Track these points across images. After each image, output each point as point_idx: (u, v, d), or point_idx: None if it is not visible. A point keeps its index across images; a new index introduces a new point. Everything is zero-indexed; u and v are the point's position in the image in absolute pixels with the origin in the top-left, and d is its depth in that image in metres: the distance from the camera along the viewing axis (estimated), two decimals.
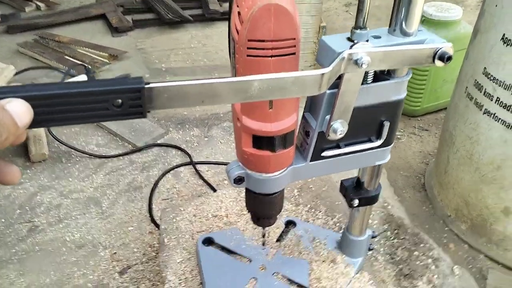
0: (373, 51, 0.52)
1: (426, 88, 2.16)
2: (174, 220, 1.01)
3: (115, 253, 1.14)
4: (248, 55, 0.52)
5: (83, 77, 1.79)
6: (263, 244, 0.86)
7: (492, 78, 1.34)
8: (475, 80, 1.42)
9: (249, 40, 0.51)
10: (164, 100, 0.43)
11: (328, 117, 0.60)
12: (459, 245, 1.61)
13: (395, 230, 1.12)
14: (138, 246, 1.16)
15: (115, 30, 2.61)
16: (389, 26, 0.59)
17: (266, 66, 0.53)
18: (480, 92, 1.40)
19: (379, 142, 0.66)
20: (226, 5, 2.87)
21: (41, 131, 1.54)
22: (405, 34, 0.57)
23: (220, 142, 1.55)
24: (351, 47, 0.52)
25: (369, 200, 0.76)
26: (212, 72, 2.07)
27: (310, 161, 0.65)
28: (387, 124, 0.64)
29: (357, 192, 0.75)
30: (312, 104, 0.63)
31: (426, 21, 2.05)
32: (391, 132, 0.66)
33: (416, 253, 1.06)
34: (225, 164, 1.44)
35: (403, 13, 0.56)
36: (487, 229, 1.54)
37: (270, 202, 0.68)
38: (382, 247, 1.06)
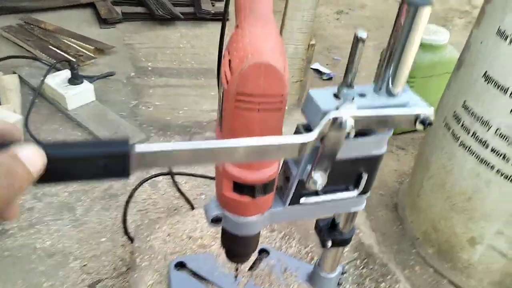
0: (357, 115, 0.53)
1: None
2: (148, 238, 1.01)
3: (86, 265, 1.13)
4: (235, 107, 0.53)
5: (65, 73, 1.75)
6: (236, 277, 0.87)
7: (470, 112, 1.37)
8: (454, 111, 1.45)
9: (237, 93, 0.51)
10: (149, 163, 0.43)
11: (309, 166, 0.61)
12: (424, 268, 1.65)
13: (365, 259, 1.14)
14: (109, 259, 1.15)
15: (104, 22, 2.56)
16: (375, 83, 0.59)
17: (252, 118, 0.53)
18: (458, 124, 1.43)
19: (356, 192, 0.67)
20: (218, 5, 2.84)
21: (20, 125, 1.51)
22: (390, 94, 0.58)
23: None
24: (337, 108, 0.53)
25: (343, 242, 0.77)
26: (199, 76, 2.06)
27: (289, 205, 0.66)
28: (365, 176, 0.65)
29: (331, 233, 0.77)
30: None
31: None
32: (369, 182, 0.67)
33: (383, 284, 1.08)
34: (205, 177, 1.44)
35: (390, 73, 0.57)
36: (453, 255, 1.59)
37: (246, 242, 0.69)
38: (350, 275, 1.08)
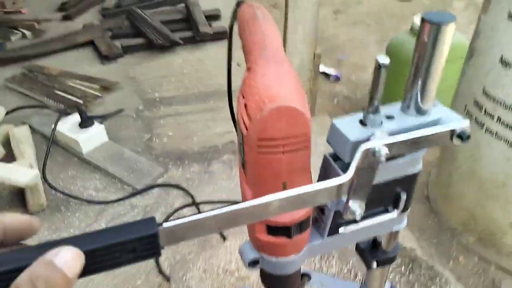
0: (390, 143, 0.50)
1: None
2: (184, 278, 0.99)
3: None
4: (259, 152, 0.50)
5: (74, 117, 1.76)
6: None
7: (492, 98, 1.33)
8: (475, 99, 1.41)
9: (259, 139, 0.49)
10: (178, 236, 0.41)
11: (344, 197, 0.58)
12: (468, 257, 1.61)
13: (409, 264, 1.11)
14: None
15: (105, 58, 2.58)
16: (403, 102, 0.56)
17: (277, 161, 0.51)
18: (480, 111, 1.39)
19: (396, 213, 0.64)
20: (215, 25, 2.83)
21: (38, 179, 1.51)
22: (419, 112, 0.55)
23: (222, 178, 1.53)
24: (368, 138, 0.50)
25: (388, 260, 0.74)
26: (207, 100, 2.05)
27: (327, 237, 0.63)
28: (403, 195, 0.62)
29: (375, 254, 0.73)
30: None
31: (416, 33, 2.04)
32: (408, 201, 0.64)
33: (433, 287, 1.05)
34: (229, 202, 1.42)
35: (418, 89, 0.54)
36: (496, 241, 1.54)
37: (287, 280, 0.66)
38: (398, 283, 1.05)
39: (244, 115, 0.51)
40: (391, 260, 0.75)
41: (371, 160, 0.50)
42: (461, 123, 0.53)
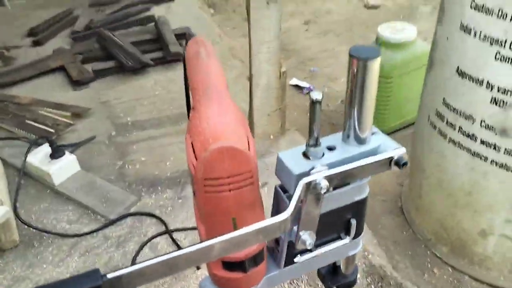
0: (330, 175, 0.52)
1: (390, 107, 2.20)
2: None
3: None
4: (205, 192, 0.52)
5: (45, 148, 1.74)
6: None
7: (452, 108, 1.37)
8: (436, 109, 1.45)
9: (205, 179, 0.50)
10: (125, 285, 0.42)
11: (295, 227, 0.59)
12: (443, 268, 1.63)
13: (379, 283, 1.12)
14: None
15: (76, 83, 2.56)
16: (343, 132, 0.59)
17: (225, 199, 0.52)
18: (443, 121, 1.43)
19: (348, 239, 0.65)
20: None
21: (10, 215, 1.49)
22: (359, 141, 0.57)
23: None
24: (309, 171, 0.52)
25: (349, 284, 0.76)
26: (180, 122, 2.05)
27: (284, 267, 0.64)
28: (354, 222, 0.64)
29: (335, 279, 0.75)
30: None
31: (383, 44, 2.10)
32: (359, 226, 0.65)
33: None
34: None
35: (355, 119, 0.56)
36: (468, 250, 1.57)
37: None
38: None
39: (191, 155, 0.52)
40: (351, 284, 0.77)
41: (313, 192, 0.52)
42: (398, 151, 0.55)
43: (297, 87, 2.86)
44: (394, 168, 0.56)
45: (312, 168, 0.52)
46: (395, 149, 0.56)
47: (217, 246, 0.45)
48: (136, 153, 1.87)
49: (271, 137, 1.78)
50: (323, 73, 3.06)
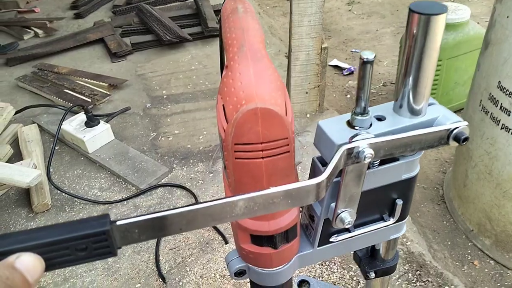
0: (376, 142, 0.45)
1: (438, 92, 2.09)
2: (181, 283, 0.96)
3: None
4: (236, 158, 0.46)
5: (81, 116, 1.75)
6: None
7: (508, 92, 1.26)
8: (490, 94, 1.34)
9: (235, 144, 0.45)
10: (135, 236, 0.38)
11: (333, 204, 0.53)
12: (484, 261, 1.54)
13: (417, 271, 1.05)
14: None
15: (114, 55, 2.57)
16: (395, 100, 0.52)
17: (256, 167, 0.47)
18: (496, 106, 1.32)
19: (392, 221, 0.59)
20: None
21: (43, 179, 1.50)
22: (413, 112, 0.50)
23: None
24: (351, 138, 0.46)
25: (387, 271, 0.69)
26: (214, 97, 2.01)
27: (318, 246, 0.59)
28: (400, 203, 0.57)
29: (373, 264, 0.69)
30: None
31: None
32: (405, 208, 0.59)
33: None
34: None
35: (409, 87, 0.49)
36: None
37: None
38: None
39: (222, 118, 0.47)
40: (390, 270, 0.71)
41: (355, 162, 0.45)
42: (458, 124, 0.48)
43: (337, 68, 2.75)
44: (453, 143, 0.48)
45: (354, 136, 0.46)
46: (455, 122, 0.49)
47: (240, 204, 0.40)
48: (170, 125, 1.85)
49: (308, 116, 1.72)
50: None
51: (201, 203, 0.39)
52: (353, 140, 0.45)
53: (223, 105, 0.48)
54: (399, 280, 1.01)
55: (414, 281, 1.01)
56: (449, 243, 1.61)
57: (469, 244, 1.60)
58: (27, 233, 0.35)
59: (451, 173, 1.79)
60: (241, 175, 0.48)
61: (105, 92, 2.14)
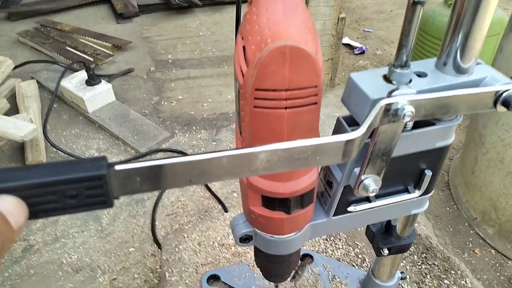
0: (418, 99, 0.39)
1: None
2: (177, 249, 0.91)
3: (115, 279, 1.05)
4: (255, 106, 0.40)
5: (82, 74, 1.68)
6: (276, 287, 0.76)
7: None
8: (511, 77, 1.28)
9: (256, 89, 0.39)
10: (136, 185, 0.32)
11: (357, 169, 0.48)
12: (485, 250, 1.51)
13: (423, 253, 1.01)
14: (139, 271, 1.07)
15: (120, 16, 2.48)
16: (438, 57, 0.46)
17: (278, 119, 0.40)
18: None
19: (418, 193, 0.54)
20: None
21: (39, 135, 1.45)
22: (458, 70, 0.44)
23: (229, 147, 1.44)
24: (389, 93, 0.40)
25: (401, 248, 0.65)
26: (221, 65, 1.94)
27: (333, 216, 0.54)
28: (429, 174, 0.52)
29: (387, 240, 0.64)
30: None
31: (450, 3, 1.89)
32: (433, 180, 0.53)
33: (446, 281, 0.95)
34: None
35: (459, 42, 0.43)
36: None
37: (284, 261, 0.57)
38: (409, 274, 0.95)
39: (241, 61, 0.41)
40: (405, 248, 0.66)
41: (392, 120, 0.40)
42: (509, 86, 0.42)
43: (348, 46, 2.67)
44: (501, 108, 0.43)
45: (394, 91, 0.40)
46: (506, 84, 0.43)
47: (261, 157, 0.34)
48: (174, 90, 1.79)
49: None
50: (377, 35, 2.85)
51: (217, 152, 0.34)
52: (392, 95, 0.40)
53: (243, 46, 0.41)
54: (404, 261, 0.97)
55: (419, 263, 0.97)
56: (451, 229, 1.58)
57: (471, 232, 1.57)
58: (6, 172, 0.29)
59: (459, 160, 1.75)
60: (258, 128, 0.42)
61: (108, 52, 2.06)
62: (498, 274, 1.43)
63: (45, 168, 0.29)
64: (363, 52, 2.57)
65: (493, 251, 1.48)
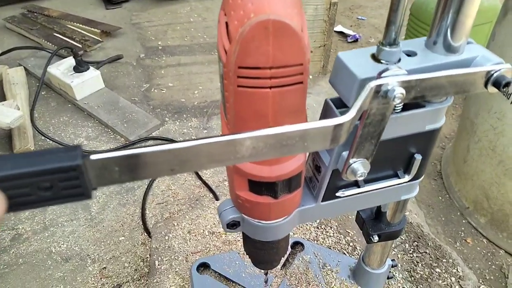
0: (408, 80, 0.38)
1: None
2: (167, 237, 0.90)
3: (105, 268, 1.04)
4: (239, 85, 0.39)
5: (70, 61, 1.65)
6: (266, 274, 0.75)
7: None
8: None
9: (239, 67, 0.37)
10: (114, 175, 0.30)
11: (345, 153, 0.47)
12: (477, 239, 1.51)
13: (415, 241, 1.01)
14: (129, 260, 1.05)
15: (109, 2, 2.44)
16: (428, 37, 0.44)
17: (262, 98, 0.39)
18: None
19: (407, 178, 0.53)
20: None
21: (26, 123, 1.42)
22: (449, 49, 0.43)
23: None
24: (379, 74, 0.38)
25: (392, 235, 0.64)
26: (212, 51, 1.91)
27: (322, 201, 0.53)
28: (418, 158, 0.51)
29: (377, 226, 0.63)
30: None
31: None
32: (422, 165, 0.52)
33: (438, 270, 0.95)
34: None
35: (449, 20, 0.41)
36: (509, 224, 1.44)
37: (272, 248, 0.56)
38: (400, 262, 0.95)
39: (224, 37, 0.39)
40: (395, 235, 0.65)
41: (381, 102, 0.38)
42: (500, 66, 0.41)
43: (341, 34, 2.65)
44: (492, 88, 0.41)
45: (384, 71, 0.39)
46: (496, 64, 0.41)
47: (247, 143, 0.33)
48: (164, 78, 1.76)
49: (310, 77, 1.63)
50: (370, 23, 2.83)
51: (200, 139, 0.32)
52: (382, 75, 0.38)
53: (226, 22, 0.39)
54: (395, 250, 0.97)
55: (411, 251, 0.97)
56: (443, 219, 1.58)
57: (464, 221, 1.57)
58: None
59: (451, 148, 1.74)
60: (242, 109, 0.41)
61: (97, 38, 2.03)
62: (489, 263, 1.43)
63: (17, 159, 0.28)
64: (356, 40, 2.55)
65: (485, 240, 1.49)
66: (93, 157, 0.29)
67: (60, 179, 0.28)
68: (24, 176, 0.27)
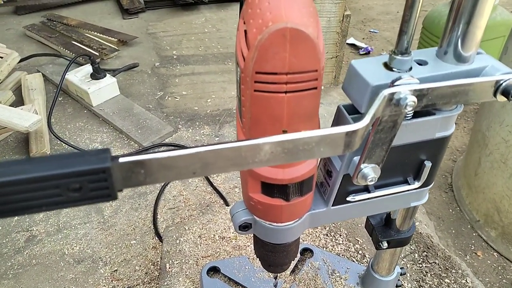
0: (420, 88, 0.39)
1: None
2: (178, 241, 0.92)
3: (116, 270, 1.05)
4: (255, 90, 0.40)
5: (87, 68, 1.69)
6: (275, 278, 0.76)
7: None
8: None
9: (257, 73, 0.39)
10: (140, 177, 0.32)
11: (356, 158, 0.48)
12: (488, 252, 1.50)
13: (424, 252, 1.01)
14: (140, 263, 1.07)
15: (126, 12, 2.50)
16: (439, 47, 0.46)
17: (278, 104, 0.41)
18: None
19: (417, 184, 0.54)
20: None
21: (43, 127, 1.46)
22: (459, 59, 0.44)
23: None
24: (392, 82, 0.40)
25: (401, 242, 0.65)
26: (226, 61, 1.94)
27: (332, 205, 0.54)
28: (428, 165, 0.52)
29: (387, 233, 0.64)
30: None
31: None
32: (433, 172, 0.53)
33: (447, 280, 0.95)
34: None
35: (460, 30, 0.43)
36: None
37: (283, 251, 0.57)
38: (409, 272, 0.95)
39: (242, 44, 0.41)
40: (404, 242, 0.66)
41: (393, 110, 0.40)
42: (509, 76, 0.42)
43: (353, 46, 2.67)
44: (501, 97, 0.43)
45: (397, 80, 0.40)
46: (505, 73, 0.43)
47: (266, 148, 0.34)
48: (178, 86, 1.79)
49: (322, 87, 1.65)
50: (382, 36, 2.85)
51: (221, 143, 0.34)
52: (395, 84, 0.40)
53: (245, 30, 0.41)
54: (404, 259, 0.97)
55: (420, 261, 0.97)
56: (453, 231, 1.57)
57: (474, 234, 1.56)
58: (7, 166, 0.28)
59: (463, 161, 1.74)
60: (258, 113, 0.42)
61: (113, 47, 2.07)
62: (500, 277, 1.42)
63: (48, 161, 0.29)
64: (368, 53, 2.57)
65: (495, 254, 1.47)
66: (121, 160, 0.30)
67: (90, 181, 0.30)
68: (56, 178, 0.29)
